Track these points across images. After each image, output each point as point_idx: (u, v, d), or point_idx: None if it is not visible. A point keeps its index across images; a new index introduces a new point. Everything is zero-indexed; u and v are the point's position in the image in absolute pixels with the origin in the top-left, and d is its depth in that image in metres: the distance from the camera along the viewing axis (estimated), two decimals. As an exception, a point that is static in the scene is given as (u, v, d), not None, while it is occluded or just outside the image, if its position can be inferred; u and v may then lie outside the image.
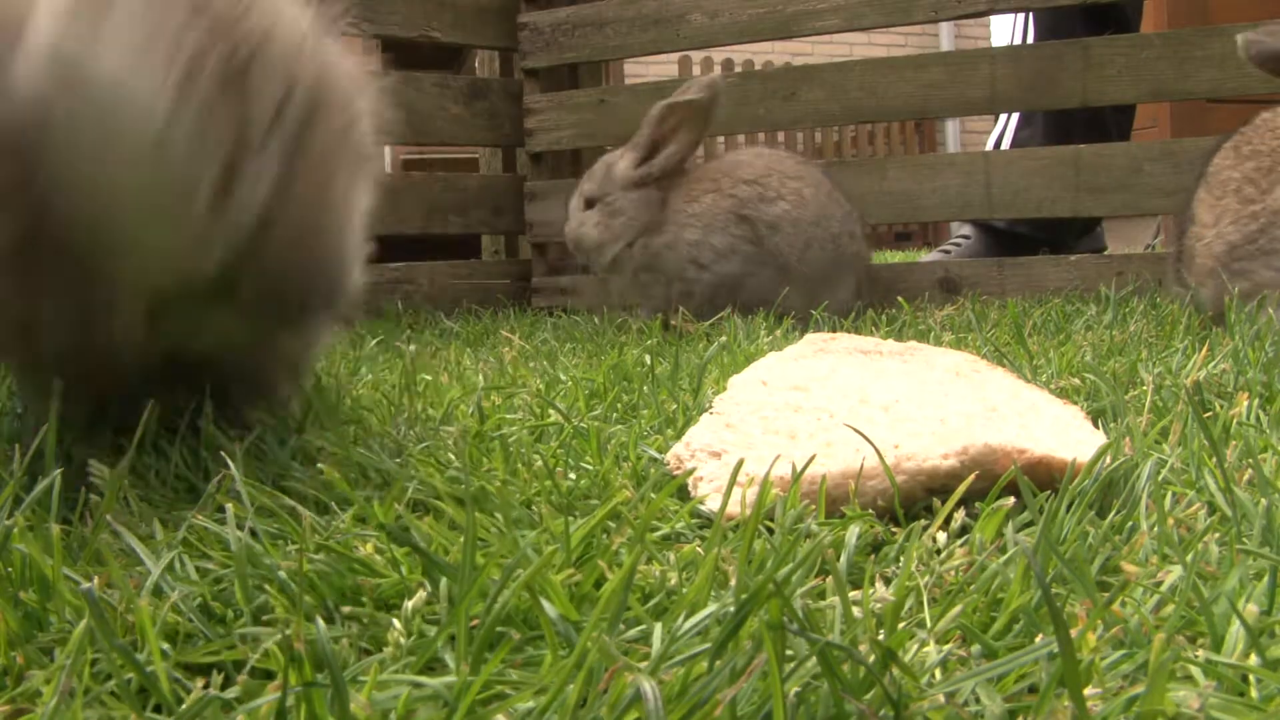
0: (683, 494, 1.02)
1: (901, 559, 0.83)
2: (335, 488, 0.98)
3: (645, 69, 8.74)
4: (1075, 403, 1.28)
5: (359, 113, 1.08)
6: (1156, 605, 0.72)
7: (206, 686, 0.65)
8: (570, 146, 3.73)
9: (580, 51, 3.67)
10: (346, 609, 0.75)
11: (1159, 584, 0.74)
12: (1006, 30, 3.82)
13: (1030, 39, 3.60)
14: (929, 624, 0.70)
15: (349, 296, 1.14)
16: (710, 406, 1.26)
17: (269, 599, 0.76)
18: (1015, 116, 3.69)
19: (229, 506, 0.88)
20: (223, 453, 1.04)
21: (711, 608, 0.67)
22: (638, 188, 2.68)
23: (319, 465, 1.04)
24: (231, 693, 0.63)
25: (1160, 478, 0.95)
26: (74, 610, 0.75)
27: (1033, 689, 0.61)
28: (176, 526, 0.92)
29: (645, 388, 1.53)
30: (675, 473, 1.07)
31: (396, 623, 0.71)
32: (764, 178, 2.63)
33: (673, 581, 0.79)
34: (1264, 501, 0.86)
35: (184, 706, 0.59)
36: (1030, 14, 3.60)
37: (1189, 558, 0.75)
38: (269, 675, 0.67)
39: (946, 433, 1.08)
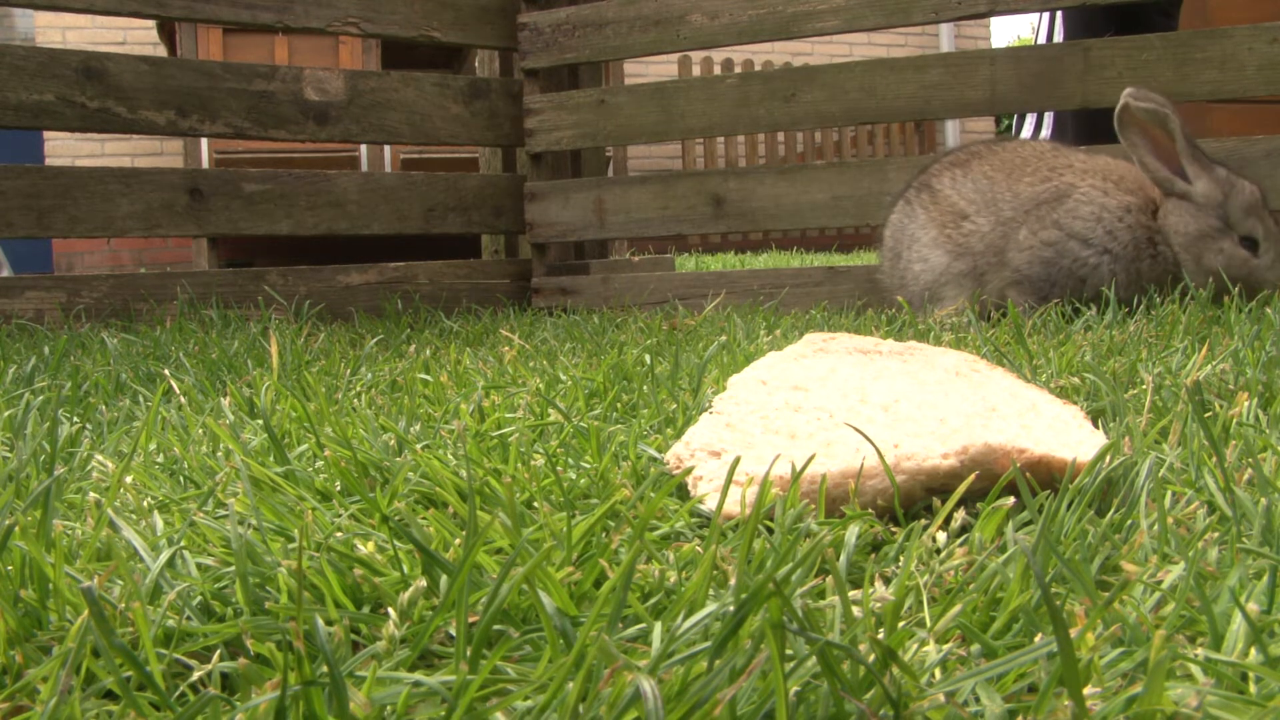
0: (682, 493, 1.02)
1: (901, 559, 0.83)
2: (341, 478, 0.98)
3: (645, 69, 8.75)
4: (1075, 402, 1.28)
5: None
6: (1156, 604, 0.72)
7: (206, 683, 0.65)
8: (570, 147, 3.73)
9: (580, 52, 3.67)
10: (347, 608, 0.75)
11: (1158, 583, 0.74)
12: (1035, 29, 3.83)
13: (1059, 38, 3.60)
14: (929, 623, 0.70)
15: None
16: (710, 406, 1.26)
17: (269, 597, 0.76)
18: (1049, 124, 3.68)
19: (231, 503, 0.88)
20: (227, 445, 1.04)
21: (711, 607, 0.67)
22: None
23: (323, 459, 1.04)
24: (228, 668, 0.63)
25: (1160, 477, 0.95)
26: (73, 608, 0.75)
27: (1032, 688, 0.61)
28: (180, 521, 0.92)
29: (645, 387, 1.53)
30: (674, 472, 1.06)
31: (392, 612, 0.71)
32: None
33: (672, 580, 0.79)
34: (1264, 501, 0.86)
35: (184, 706, 0.59)
36: (1058, 14, 3.60)
37: (1189, 554, 0.75)
38: (266, 663, 0.67)
39: (946, 432, 1.07)
